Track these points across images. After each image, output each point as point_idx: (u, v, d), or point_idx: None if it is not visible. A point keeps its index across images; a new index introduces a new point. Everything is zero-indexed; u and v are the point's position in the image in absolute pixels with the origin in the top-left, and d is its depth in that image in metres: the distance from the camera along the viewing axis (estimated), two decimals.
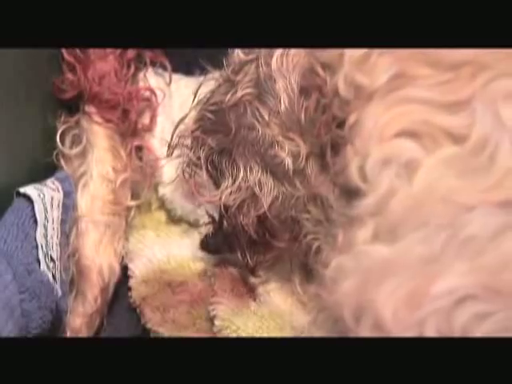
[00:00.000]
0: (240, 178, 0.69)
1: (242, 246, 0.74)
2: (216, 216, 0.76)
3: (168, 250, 0.84)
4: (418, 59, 0.59)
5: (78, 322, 0.79)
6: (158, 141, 0.86)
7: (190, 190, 0.78)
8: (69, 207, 0.75)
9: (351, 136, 0.60)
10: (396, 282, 0.51)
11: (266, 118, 0.67)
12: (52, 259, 0.72)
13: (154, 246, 0.84)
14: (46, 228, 0.71)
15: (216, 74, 0.74)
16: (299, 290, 0.76)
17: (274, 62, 0.67)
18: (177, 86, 0.89)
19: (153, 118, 0.87)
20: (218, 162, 0.71)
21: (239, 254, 0.75)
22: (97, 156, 0.83)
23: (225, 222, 0.73)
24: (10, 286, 0.67)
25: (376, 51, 0.60)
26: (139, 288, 0.82)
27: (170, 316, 0.79)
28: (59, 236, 0.73)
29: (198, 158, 0.72)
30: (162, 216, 0.86)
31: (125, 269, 0.84)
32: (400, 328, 0.51)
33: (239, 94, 0.69)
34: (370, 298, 0.52)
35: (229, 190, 0.70)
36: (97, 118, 0.84)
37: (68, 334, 0.78)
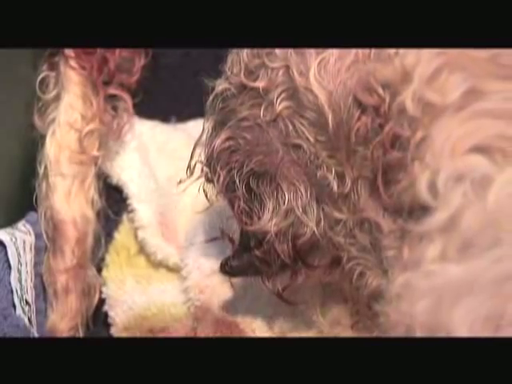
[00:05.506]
0: (285, 202, 0.63)
1: (271, 271, 0.68)
2: (234, 236, 0.70)
3: (148, 296, 0.82)
4: (491, 74, 0.57)
5: (64, 279, 0.78)
6: (135, 185, 0.86)
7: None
8: (41, 249, 0.75)
9: (418, 152, 0.57)
10: (471, 303, 0.49)
11: (312, 135, 0.62)
12: (27, 303, 0.72)
13: (134, 292, 0.83)
14: (20, 272, 0.71)
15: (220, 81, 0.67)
16: (320, 316, 0.72)
17: (311, 75, 0.61)
18: (152, 132, 0.90)
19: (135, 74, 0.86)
20: (256, 186, 0.65)
21: (266, 279, 0.69)
22: (67, 102, 0.82)
23: (252, 244, 0.67)
24: None
25: (446, 68, 0.58)
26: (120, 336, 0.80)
27: None
28: (33, 279, 0.73)
29: (232, 182, 0.66)
30: (141, 261, 0.85)
31: (105, 316, 0.82)
32: None
33: (278, 108, 0.63)
34: (445, 320, 0.50)
35: (269, 216, 0.64)
36: (73, 63, 0.82)
37: (58, 290, 0.77)
